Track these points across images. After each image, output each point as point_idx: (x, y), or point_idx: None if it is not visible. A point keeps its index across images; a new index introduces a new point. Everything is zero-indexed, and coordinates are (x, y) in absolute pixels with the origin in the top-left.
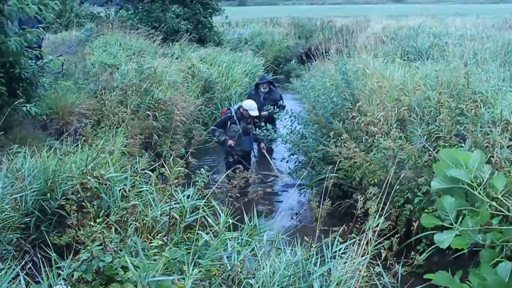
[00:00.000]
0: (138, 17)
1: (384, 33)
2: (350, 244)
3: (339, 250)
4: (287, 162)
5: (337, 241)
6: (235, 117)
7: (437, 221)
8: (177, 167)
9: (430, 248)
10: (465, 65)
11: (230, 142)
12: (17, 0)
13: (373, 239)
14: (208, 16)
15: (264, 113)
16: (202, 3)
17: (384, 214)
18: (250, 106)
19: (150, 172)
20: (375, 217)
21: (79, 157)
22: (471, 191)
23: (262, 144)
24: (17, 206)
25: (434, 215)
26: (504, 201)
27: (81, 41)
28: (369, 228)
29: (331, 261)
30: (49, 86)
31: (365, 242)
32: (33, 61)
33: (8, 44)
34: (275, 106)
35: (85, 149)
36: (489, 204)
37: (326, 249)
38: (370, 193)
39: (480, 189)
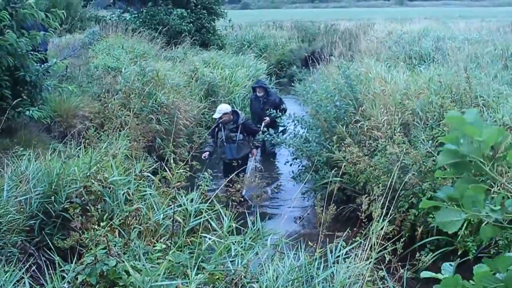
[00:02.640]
0: (141, 20)
1: (388, 37)
2: (353, 248)
3: (342, 254)
4: (290, 165)
5: (341, 245)
6: (220, 125)
7: (437, 203)
8: (179, 170)
9: (434, 254)
10: (465, 70)
11: (204, 154)
12: (30, 6)
13: (377, 243)
14: (211, 20)
15: (266, 119)
16: (206, 7)
17: (388, 218)
18: (217, 108)
19: (152, 176)
20: (379, 221)
21: (82, 160)
22: (482, 167)
23: (254, 151)
24: (21, 209)
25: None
26: None
27: (85, 44)
28: (373, 232)
29: (334, 266)
30: (53, 89)
31: (368, 247)
32: (38, 64)
33: (18, 45)
34: (277, 110)
35: (89, 152)
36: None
37: (330, 254)
38: (375, 194)
39: (493, 165)
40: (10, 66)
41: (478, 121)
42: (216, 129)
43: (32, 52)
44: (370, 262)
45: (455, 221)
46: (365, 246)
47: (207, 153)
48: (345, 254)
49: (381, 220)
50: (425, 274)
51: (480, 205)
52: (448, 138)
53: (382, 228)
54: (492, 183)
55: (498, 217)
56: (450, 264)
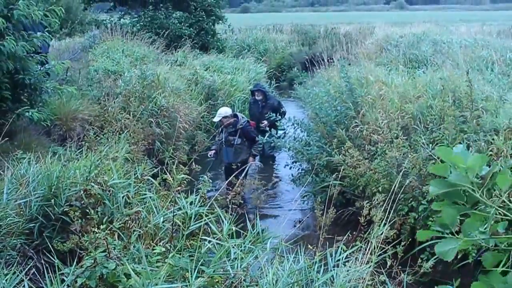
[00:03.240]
0: (141, 24)
1: (388, 41)
2: (354, 252)
3: (343, 258)
4: (290, 169)
5: (341, 249)
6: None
7: (433, 232)
8: (180, 173)
9: (433, 258)
10: (467, 73)
11: (210, 152)
12: (25, 5)
13: (377, 247)
14: (211, 23)
15: (264, 123)
16: (205, 10)
17: (388, 222)
18: (217, 112)
19: (152, 179)
20: (379, 225)
21: (82, 163)
22: (473, 194)
23: (251, 159)
24: (21, 212)
25: (432, 225)
26: (509, 203)
27: (85, 47)
28: (373, 236)
29: (334, 269)
30: (52, 92)
31: (369, 252)
32: (38, 67)
33: (14, 49)
34: (276, 114)
35: (89, 156)
36: (493, 207)
37: (330, 257)
38: (376, 200)
39: (482, 191)
40: (9, 69)
41: (464, 152)
42: (219, 129)
43: (32, 55)
44: (370, 266)
45: (452, 249)
46: (365, 250)
47: (213, 151)
48: (345, 258)
49: (382, 224)
50: None
51: (474, 232)
52: (436, 168)
53: (382, 233)
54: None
55: (486, 239)
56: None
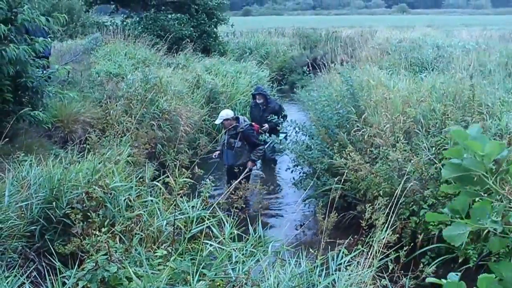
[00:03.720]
0: (142, 26)
1: (389, 44)
2: (355, 256)
3: (344, 262)
4: (291, 172)
5: (342, 253)
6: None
7: (442, 216)
8: (182, 177)
9: (434, 262)
10: (470, 77)
11: (215, 153)
12: (28, 10)
13: (379, 251)
14: (213, 25)
15: (265, 126)
16: (207, 13)
17: (390, 226)
18: (219, 114)
19: (155, 182)
20: (382, 230)
21: (84, 166)
22: (486, 181)
23: (249, 163)
24: (22, 214)
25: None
26: None
27: (87, 50)
28: (375, 241)
29: (335, 273)
30: (54, 95)
31: (371, 256)
32: (40, 70)
33: (16, 54)
34: (278, 117)
35: (90, 158)
36: (505, 196)
37: (331, 261)
38: (378, 204)
39: (495, 179)
40: (11, 72)
41: (480, 136)
42: (223, 132)
43: (33, 58)
44: (372, 270)
45: (461, 234)
46: (367, 254)
47: (218, 152)
48: (347, 262)
49: (384, 229)
50: (430, 279)
51: (484, 218)
52: (451, 152)
53: (384, 238)
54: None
55: (498, 227)
56: (456, 274)
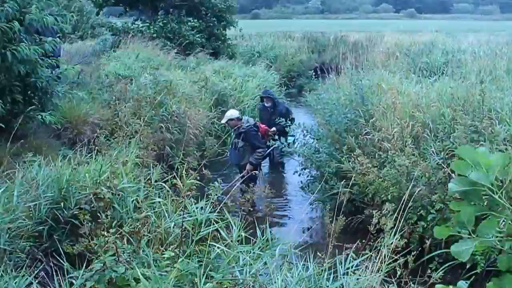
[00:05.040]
0: (154, 29)
1: (398, 49)
2: (363, 260)
3: (352, 266)
4: (299, 175)
5: (350, 257)
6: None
7: (451, 231)
8: (190, 179)
9: (443, 267)
10: (480, 82)
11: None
12: (37, 10)
13: (387, 256)
14: (222, 28)
15: (273, 129)
16: (216, 16)
17: (398, 231)
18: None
19: (163, 184)
20: (390, 235)
21: (92, 167)
22: (492, 195)
23: (248, 167)
24: (30, 215)
25: (448, 226)
26: None
27: (96, 51)
28: (384, 246)
29: (343, 277)
30: (63, 95)
31: (379, 261)
32: (49, 70)
33: (27, 53)
34: (286, 120)
35: (99, 159)
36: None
37: (339, 265)
38: (386, 209)
39: (502, 193)
40: (21, 73)
41: (487, 152)
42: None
43: (43, 58)
44: (380, 275)
45: (468, 249)
46: (375, 258)
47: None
48: (354, 266)
49: (392, 234)
50: (438, 286)
51: (491, 233)
52: (458, 165)
53: (392, 243)
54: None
55: (506, 245)
56: (466, 282)
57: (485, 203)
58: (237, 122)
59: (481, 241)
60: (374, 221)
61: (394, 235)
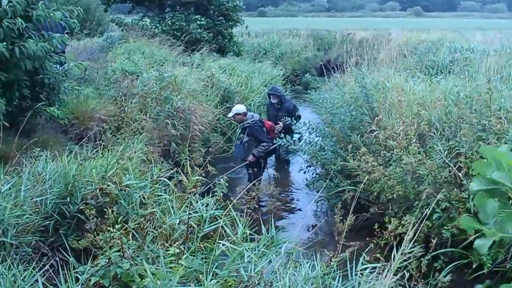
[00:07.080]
0: (160, 26)
1: (405, 47)
2: (373, 261)
3: (365, 269)
4: (304, 173)
5: (363, 258)
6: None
7: (477, 225)
8: (196, 175)
9: (448, 266)
10: (488, 81)
11: None
12: (44, 6)
13: (399, 258)
14: (228, 27)
15: (279, 124)
16: (223, 14)
17: (416, 237)
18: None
19: (167, 181)
20: (409, 243)
21: (99, 162)
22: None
23: (250, 157)
24: (37, 209)
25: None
26: None
27: (103, 48)
28: (401, 253)
29: (354, 277)
30: (70, 91)
31: (392, 268)
32: (57, 67)
33: (34, 49)
34: (291, 117)
35: (105, 155)
36: None
37: (349, 266)
38: (406, 220)
39: None
40: (29, 68)
41: (508, 152)
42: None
43: (51, 54)
44: (392, 279)
45: (486, 243)
46: (387, 262)
47: None
48: (365, 267)
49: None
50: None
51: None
52: (479, 165)
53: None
54: None
55: None
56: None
57: (510, 202)
58: (243, 117)
59: (501, 236)
60: (390, 228)
61: (412, 242)
